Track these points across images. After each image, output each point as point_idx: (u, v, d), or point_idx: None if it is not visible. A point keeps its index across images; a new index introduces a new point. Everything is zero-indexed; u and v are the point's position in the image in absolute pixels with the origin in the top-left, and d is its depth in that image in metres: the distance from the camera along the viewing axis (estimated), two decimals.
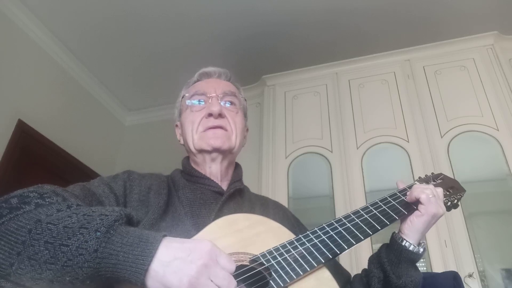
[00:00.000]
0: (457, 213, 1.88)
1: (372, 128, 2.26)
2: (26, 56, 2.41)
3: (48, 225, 0.55)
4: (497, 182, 2.06)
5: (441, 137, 2.11)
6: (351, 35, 2.54)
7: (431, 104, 2.23)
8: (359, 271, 0.89)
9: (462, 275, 1.69)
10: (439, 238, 1.84)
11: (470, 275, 1.72)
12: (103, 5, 2.36)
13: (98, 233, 0.54)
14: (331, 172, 2.21)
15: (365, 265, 0.87)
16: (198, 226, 0.76)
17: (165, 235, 0.57)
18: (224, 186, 0.93)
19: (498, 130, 2.03)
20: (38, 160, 2.42)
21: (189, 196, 0.86)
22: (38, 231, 0.55)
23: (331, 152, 2.27)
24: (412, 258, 0.78)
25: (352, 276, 0.92)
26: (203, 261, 0.54)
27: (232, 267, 0.57)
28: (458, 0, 2.29)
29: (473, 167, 2.06)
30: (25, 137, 2.31)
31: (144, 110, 3.24)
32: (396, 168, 2.25)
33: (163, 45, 2.64)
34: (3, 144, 2.18)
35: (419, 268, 0.83)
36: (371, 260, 0.85)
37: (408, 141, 2.16)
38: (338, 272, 0.86)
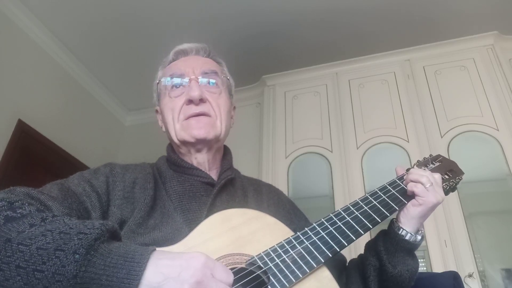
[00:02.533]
0: (457, 213, 1.88)
1: (372, 128, 2.26)
2: (26, 56, 2.41)
3: (20, 246, 0.48)
4: (497, 182, 2.06)
5: (441, 137, 2.11)
6: (351, 35, 2.53)
7: (431, 104, 2.23)
8: (356, 255, 0.87)
9: (462, 275, 1.69)
10: (439, 238, 1.84)
11: (470, 275, 1.72)
12: (103, 5, 2.36)
13: (77, 256, 0.47)
14: (331, 172, 2.21)
15: (362, 249, 0.85)
16: (190, 221, 0.73)
17: (154, 250, 0.52)
18: (214, 175, 0.86)
19: (498, 130, 2.03)
20: (38, 160, 2.42)
21: (178, 189, 0.79)
22: (8, 253, 0.48)
23: (331, 152, 2.27)
24: (409, 247, 0.76)
25: (348, 260, 0.89)
26: (196, 278, 0.49)
27: (230, 279, 0.53)
28: (458, 0, 2.29)
29: (473, 167, 2.06)
30: (25, 137, 2.30)
31: (144, 110, 3.24)
32: None
33: (163, 45, 2.63)
34: (3, 144, 2.18)
35: (419, 268, 0.81)
36: (368, 247, 0.83)
37: (408, 141, 2.16)
38: (335, 258, 0.82)
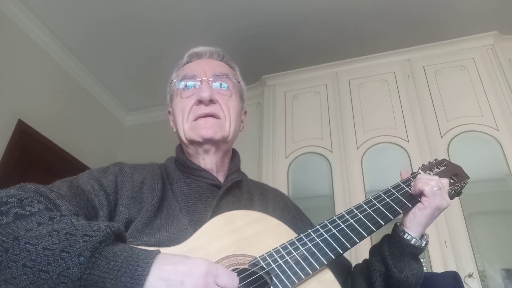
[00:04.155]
0: (457, 213, 1.88)
1: (372, 128, 2.26)
2: (26, 56, 2.41)
3: (27, 245, 0.49)
4: (497, 182, 2.06)
5: (441, 137, 2.11)
6: (351, 35, 2.54)
7: (431, 104, 2.23)
8: (359, 261, 0.87)
9: (462, 275, 1.69)
10: (439, 238, 1.84)
11: (470, 275, 1.72)
12: (103, 5, 2.36)
13: (82, 258, 0.48)
14: (331, 172, 2.21)
15: (365, 255, 0.85)
16: (195, 223, 0.74)
17: (158, 253, 0.52)
18: (221, 177, 0.87)
19: (498, 130, 2.03)
20: (38, 160, 2.42)
21: (184, 190, 0.80)
22: (15, 251, 0.49)
23: (331, 152, 2.27)
24: (414, 251, 0.76)
25: (353, 266, 0.89)
26: (198, 286, 0.50)
27: (235, 284, 0.53)
28: (458, 0, 2.29)
29: (473, 167, 2.05)
30: (25, 137, 2.30)
31: (144, 110, 3.24)
32: (396, 168, 2.24)
33: (163, 45, 2.64)
34: (3, 144, 2.18)
35: None
36: (373, 252, 0.83)
37: (408, 141, 2.16)
38: (339, 263, 0.83)
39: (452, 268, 1.72)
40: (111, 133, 3.15)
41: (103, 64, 2.82)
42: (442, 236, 1.84)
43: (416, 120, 2.20)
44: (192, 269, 0.51)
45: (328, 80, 2.53)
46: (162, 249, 0.62)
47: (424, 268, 1.85)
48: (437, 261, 1.79)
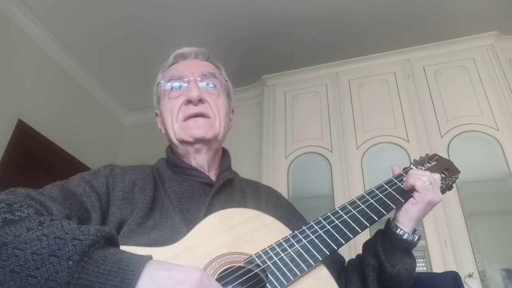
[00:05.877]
0: (457, 213, 1.88)
1: (372, 128, 2.26)
2: (26, 56, 2.41)
3: (15, 250, 0.48)
4: (497, 182, 2.06)
5: (441, 137, 2.11)
6: (351, 35, 2.53)
7: (431, 104, 2.23)
8: (356, 255, 0.87)
9: (462, 275, 1.69)
10: (439, 238, 1.84)
11: (470, 275, 1.72)
12: (103, 5, 2.36)
13: (70, 262, 0.46)
14: (331, 172, 2.21)
15: (361, 248, 0.85)
16: (188, 221, 0.74)
17: (149, 259, 0.51)
18: (213, 175, 0.87)
19: (498, 130, 2.03)
20: (38, 160, 2.42)
21: (176, 189, 0.80)
22: (3, 257, 0.48)
23: (331, 152, 2.27)
24: (406, 246, 0.77)
25: (347, 261, 0.90)
26: None
27: None
28: (458, 0, 2.29)
29: (473, 167, 2.06)
30: (25, 137, 2.30)
31: (144, 110, 3.24)
32: None
33: (163, 45, 2.63)
34: (3, 144, 2.18)
35: (418, 267, 0.81)
36: (366, 247, 0.83)
37: (408, 141, 2.16)
38: (333, 258, 0.83)
39: (452, 268, 1.72)
40: (111, 133, 3.15)
41: (103, 64, 2.82)
42: (442, 236, 1.84)
43: (416, 120, 2.20)
44: (186, 276, 0.49)
45: (328, 80, 2.53)
46: (159, 249, 0.62)
47: (424, 268, 1.86)
48: (437, 261, 1.79)
